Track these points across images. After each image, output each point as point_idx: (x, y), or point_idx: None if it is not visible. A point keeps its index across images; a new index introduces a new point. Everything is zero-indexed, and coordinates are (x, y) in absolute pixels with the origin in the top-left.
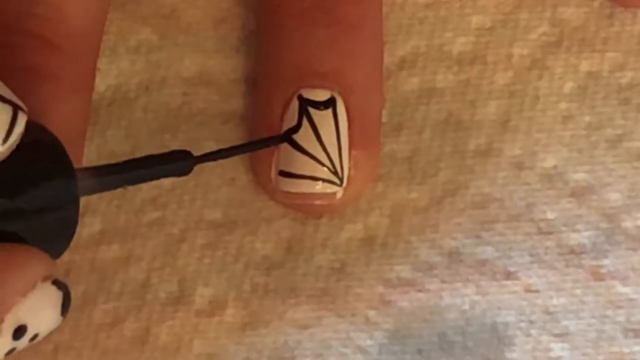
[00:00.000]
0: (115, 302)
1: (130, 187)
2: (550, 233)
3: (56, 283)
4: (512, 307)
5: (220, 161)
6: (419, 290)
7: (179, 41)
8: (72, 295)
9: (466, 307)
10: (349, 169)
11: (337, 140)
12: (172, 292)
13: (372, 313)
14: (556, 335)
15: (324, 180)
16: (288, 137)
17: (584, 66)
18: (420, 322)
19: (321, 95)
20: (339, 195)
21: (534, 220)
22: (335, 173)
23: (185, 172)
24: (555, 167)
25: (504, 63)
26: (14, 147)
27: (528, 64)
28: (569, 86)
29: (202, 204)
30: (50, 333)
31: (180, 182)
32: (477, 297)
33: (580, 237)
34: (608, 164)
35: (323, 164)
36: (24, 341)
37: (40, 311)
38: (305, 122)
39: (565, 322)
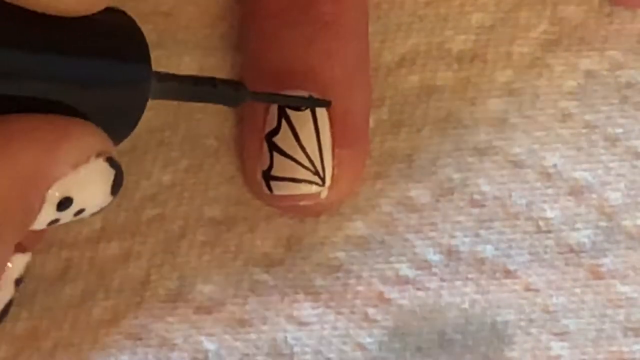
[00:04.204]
0: (115, 299)
1: (130, 185)
2: (549, 232)
3: (109, 160)
4: (511, 305)
5: (220, 159)
6: (419, 289)
7: (178, 39)
8: (71, 292)
9: (466, 305)
10: (333, 168)
11: (317, 141)
12: (171, 289)
13: (371, 310)
14: (556, 334)
15: (304, 182)
16: (328, 103)
17: (584, 64)
18: (419, 320)
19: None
20: (324, 195)
21: (533, 219)
22: (316, 173)
23: (237, 102)
24: (554, 165)
25: (504, 61)
26: None
27: (528, 62)
28: (568, 84)
29: (201, 202)
30: (99, 211)
31: (179, 180)
32: (476, 296)
33: (580, 235)
34: (607, 162)
35: (303, 165)
36: (68, 214)
37: (89, 186)
38: (284, 124)
39: (564, 321)
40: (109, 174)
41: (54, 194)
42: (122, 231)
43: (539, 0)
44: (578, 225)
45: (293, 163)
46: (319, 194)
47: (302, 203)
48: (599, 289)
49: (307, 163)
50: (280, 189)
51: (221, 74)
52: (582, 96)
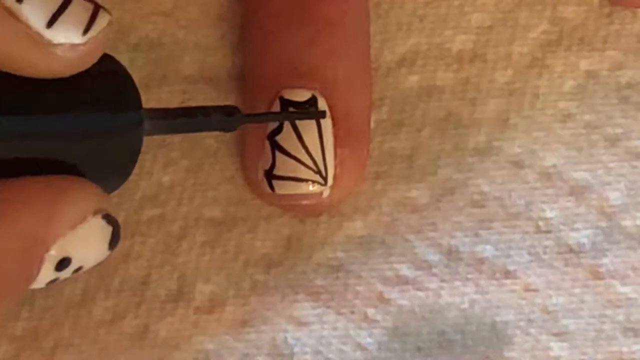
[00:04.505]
0: (115, 299)
1: (130, 185)
2: (549, 232)
3: (106, 217)
4: (511, 305)
5: (220, 159)
6: (418, 289)
7: (179, 38)
8: (71, 292)
9: (465, 305)
10: (335, 168)
11: (319, 140)
12: (171, 289)
13: (371, 311)
14: (555, 334)
15: (307, 181)
16: (323, 114)
17: (584, 65)
18: (419, 320)
19: (302, 95)
20: (326, 194)
21: (533, 219)
22: (318, 173)
23: (233, 127)
24: (554, 165)
25: (504, 61)
26: (97, 49)
27: (528, 63)
28: (568, 85)
29: (201, 202)
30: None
31: (179, 180)
32: (476, 296)
33: (580, 236)
34: (607, 162)
35: (305, 165)
36: (66, 272)
37: (87, 245)
38: (286, 123)
39: (564, 321)
40: (107, 230)
41: (53, 255)
42: (122, 231)
43: (538, 0)
44: (578, 226)
45: (295, 162)
46: (321, 193)
47: (304, 202)
48: (599, 289)
49: (309, 162)
50: (283, 188)
51: (222, 73)
52: (582, 96)
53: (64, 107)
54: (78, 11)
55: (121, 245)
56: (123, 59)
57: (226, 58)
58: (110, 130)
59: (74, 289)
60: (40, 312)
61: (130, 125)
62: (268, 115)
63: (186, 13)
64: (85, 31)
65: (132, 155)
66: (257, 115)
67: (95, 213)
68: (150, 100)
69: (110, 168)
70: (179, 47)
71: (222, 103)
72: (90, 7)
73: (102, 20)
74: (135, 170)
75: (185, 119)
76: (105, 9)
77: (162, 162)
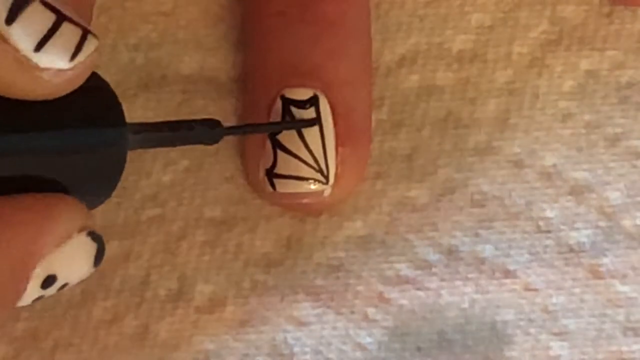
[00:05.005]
0: (115, 299)
1: (130, 185)
2: (549, 231)
3: (91, 234)
4: (511, 305)
5: (220, 159)
6: (418, 289)
7: (179, 38)
8: (71, 292)
9: (465, 305)
10: (336, 167)
11: (321, 139)
12: (171, 289)
13: (371, 310)
14: (555, 334)
15: (308, 179)
16: (315, 122)
17: (584, 64)
18: (419, 320)
19: (303, 94)
20: (327, 193)
21: (533, 219)
22: (320, 171)
23: (215, 140)
24: (554, 165)
25: (504, 61)
26: (83, 72)
27: (528, 62)
28: (568, 84)
29: (201, 202)
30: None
31: (179, 180)
32: (476, 296)
33: (580, 235)
34: (607, 162)
35: (307, 163)
36: (52, 290)
37: (72, 262)
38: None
39: (564, 321)
40: (92, 247)
41: (39, 273)
42: (122, 231)
43: (539, 0)
44: (578, 225)
45: (297, 161)
46: (322, 192)
47: (305, 201)
48: (599, 288)
49: (311, 161)
50: (284, 186)
51: (222, 73)
52: (582, 96)
53: (47, 124)
54: (67, 36)
55: (121, 245)
56: (123, 58)
57: (226, 58)
58: (94, 146)
59: (73, 289)
60: (40, 313)
61: (114, 141)
62: (250, 127)
63: (186, 13)
64: (73, 56)
65: (116, 171)
66: (239, 127)
67: (80, 230)
68: (150, 100)
69: (95, 183)
70: (178, 47)
71: (219, 104)
72: (79, 31)
73: (90, 45)
74: (135, 170)
75: (168, 133)
76: (93, 34)
77: (162, 162)
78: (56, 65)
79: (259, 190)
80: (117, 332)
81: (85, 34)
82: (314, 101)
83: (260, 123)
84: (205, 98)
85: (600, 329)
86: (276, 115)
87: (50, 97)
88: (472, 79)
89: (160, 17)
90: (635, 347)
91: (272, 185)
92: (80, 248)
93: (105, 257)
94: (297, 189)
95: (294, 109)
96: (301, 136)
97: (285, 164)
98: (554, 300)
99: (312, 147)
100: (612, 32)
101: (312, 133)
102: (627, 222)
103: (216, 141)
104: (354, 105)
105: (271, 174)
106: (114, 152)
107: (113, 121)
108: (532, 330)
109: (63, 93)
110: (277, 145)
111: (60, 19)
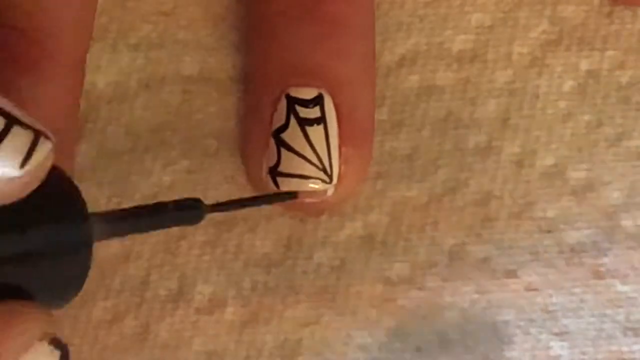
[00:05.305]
0: (115, 300)
1: (130, 185)
2: (550, 231)
3: (54, 342)
4: (511, 305)
5: (220, 159)
6: (419, 289)
7: (179, 38)
8: None
9: (466, 305)
10: (340, 166)
11: (325, 138)
12: (171, 290)
13: (372, 311)
14: (555, 334)
15: (312, 178)
16: (294, 195)
17: (584, 64)
18: (420, 320)
19: (308, 93)
20: (330, 192)
21: (534, 219)
22: (324, 170)
23: (196, 221)
24: (555, 165)
25: (504, 61)
26: (37, 177)
27: (528, 62)
28: (568, 84)
29: None
30: None
31: (179, 180)
32: (476, 296)
33: (580, 235)
34: (608, 162)
35: (311, 162)
36: None
37: None
38: (292, 120)
39: (564, 321)
40: (54, 354)
41: None
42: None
43: (539, 0)
44: (578, 225)
45: (301, 160)
46: (325, 191)
47: (307, 200)
48: (599, 288)
49: (315, 160)
50: (288, 185)
51: (222, 73)
52: (583, 96)
53: (3, 229)
54: (16, 141)
55: (121, 245)
56: (123, 58)
57: (226, 58)
58: (57, 245)
59: None
60: None
61: (78, 238)
62: (233, 204)
63: (186, 13)
64: (23, 163)
65: (83, 267)
66: (222, 205)
67: (41, 339)
68: (150, 100)
69: (61, 283)
70: (179, 47)
71: (219, 104)
72: (31, 135)
73: (43, 149)
74: (135, 170)
75: (142, 218)
76: (46, 135)
77: (162, 162)
78: (4, 175)
79: (260, 189)
80: (117, 332)
81: (37, 136)
82: (318, 100)
83: (244, 197)
84: (206, 98)
85: (600, 329)
86: (280, 113)
87: (3, 204)
88: (472, 79)
89: (160, 17)
90: (635, 347)
91: (276, 183)
92: (42, 357)
93: (105, 257)
94: (301, 188)
95: (298, 108)
96: (306, 135)
97: (289, 162)
98: (554, 300)
99: (316, 146)
100: (612, 32)
101: (316, 132)
102: (627, 222)
103: (198, 221)
104: (357, 105)
105: (274, 172)
106: (78, 251)
107: (75, 219)
108: (532, 330)
109: (15, 199)
110: (281, 144)
111: (10, 123)
